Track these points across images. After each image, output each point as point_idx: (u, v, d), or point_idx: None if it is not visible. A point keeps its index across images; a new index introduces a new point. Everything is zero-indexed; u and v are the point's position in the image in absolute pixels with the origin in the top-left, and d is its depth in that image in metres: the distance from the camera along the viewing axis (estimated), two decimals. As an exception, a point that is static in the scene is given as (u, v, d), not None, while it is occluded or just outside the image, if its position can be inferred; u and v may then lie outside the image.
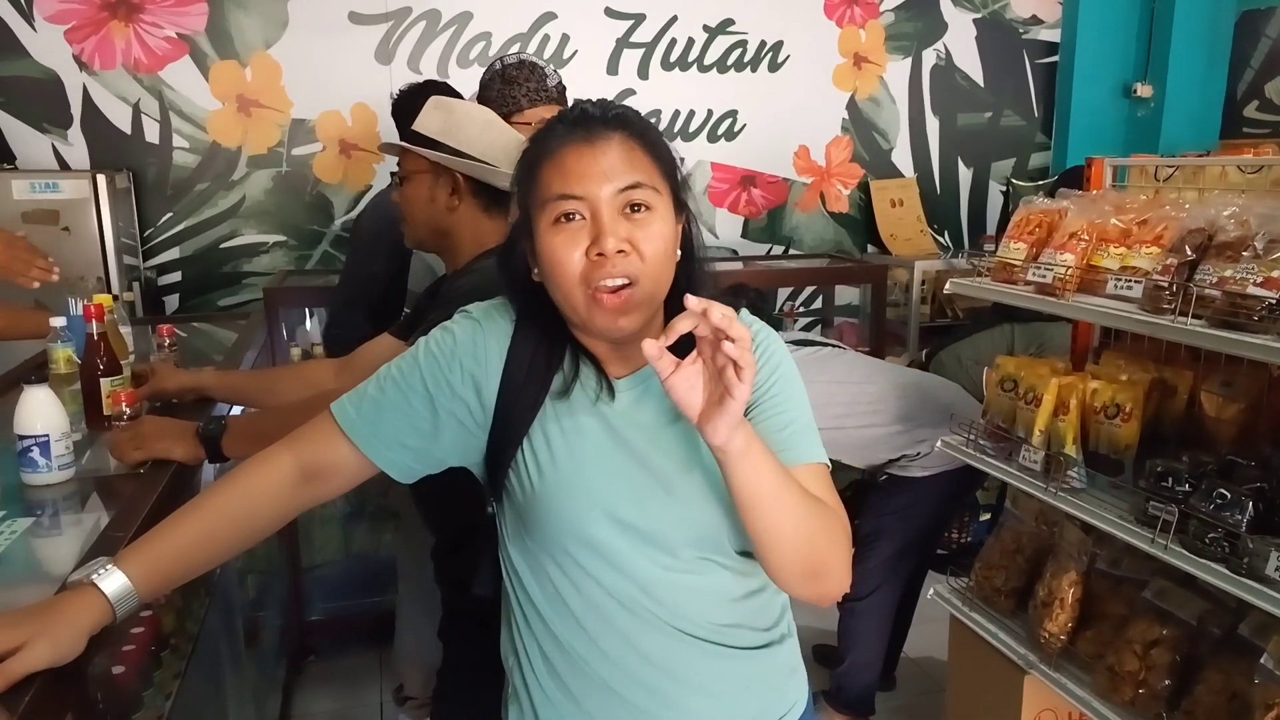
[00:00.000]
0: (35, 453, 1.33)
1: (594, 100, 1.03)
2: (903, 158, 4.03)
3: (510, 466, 1.04)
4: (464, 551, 1.55)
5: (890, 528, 2.39)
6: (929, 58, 3.98)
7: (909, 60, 3.95)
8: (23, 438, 1.33)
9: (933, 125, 4.04)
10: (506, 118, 1.79)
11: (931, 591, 2.24)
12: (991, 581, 2.08)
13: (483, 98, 1.96)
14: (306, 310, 3.21)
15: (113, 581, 0.93)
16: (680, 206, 1.02)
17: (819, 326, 3.89)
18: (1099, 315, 1.66)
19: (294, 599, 2.85)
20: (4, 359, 2.06)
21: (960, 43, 4.00)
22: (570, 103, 1.80)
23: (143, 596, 0.95)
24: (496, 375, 1.04)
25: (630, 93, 3.65)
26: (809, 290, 3.94)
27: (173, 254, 3.32)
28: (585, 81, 3.57)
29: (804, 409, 1.08)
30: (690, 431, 0.99)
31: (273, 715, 2.43)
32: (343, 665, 2.89)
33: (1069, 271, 1.72)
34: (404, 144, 1.55)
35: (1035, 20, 4.07)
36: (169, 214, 3.30)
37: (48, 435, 1.33)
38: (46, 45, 3.12)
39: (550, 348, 1.05)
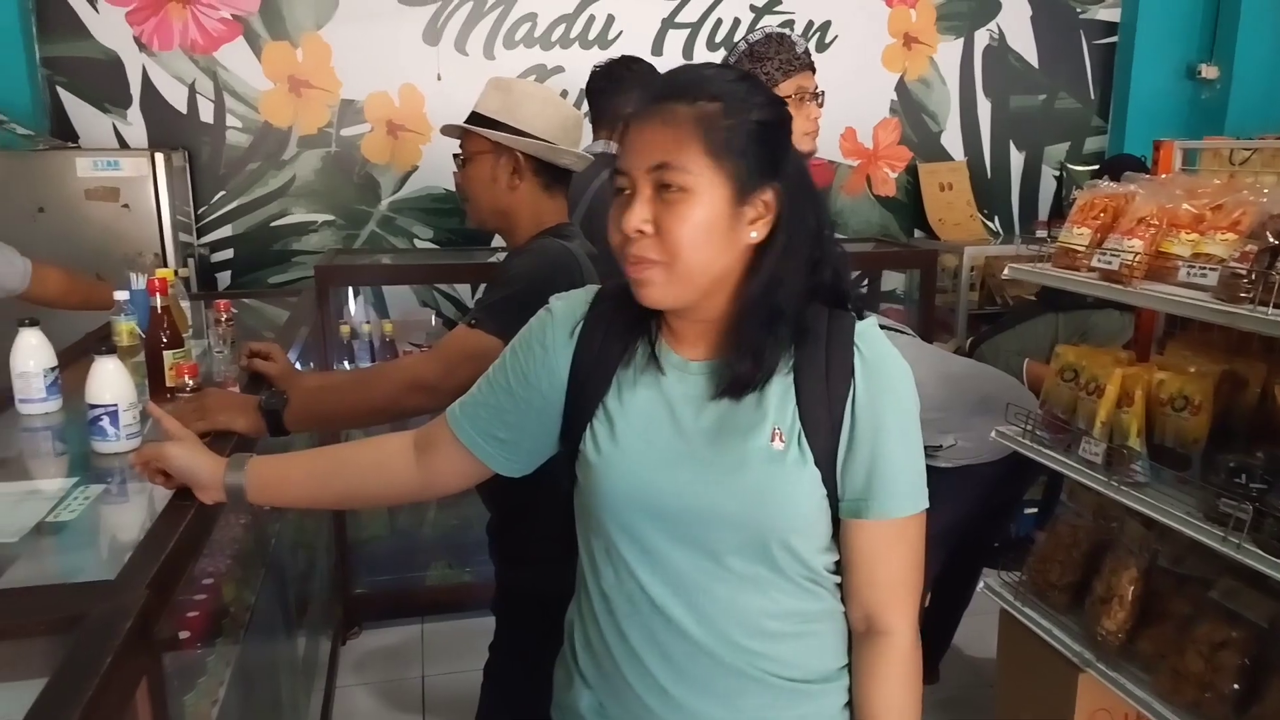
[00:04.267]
0: (105, 422, 1.36)
1: (690, 66, 1.01)
2: (953, 140, 3.95)
3: (580, 446, 1.05)
4: (518, 529, 1.57)
5: None
6: (981, 38, 3.89)
7: (961, 41, 3.87)
8: (93, 407, 1.36)
9: (984, 107, 3.95)
10: None
11: (982, 584, 2.21)
12: (1046, 576, 2.04)
13: None
14: (350, 290, 3.25)
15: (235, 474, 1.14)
16: (754, 188, 0.95)
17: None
18: (1169, 303, 1.62)
19: (340, 573, 2.89)
20: (68, 329, 2.10)
21: (1015, 23, 3.90)
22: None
23: (250, 497, 1.14)
24: (569, 361, 1.05)
25: (677, 74, 3.62)
26: (853, 275, 3.89)
27: (225, 231, 3.37)
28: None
29: (912, 446, 1.00)
30: (756, 427, 0.97)
31: (320, 686, 2.47)
32: (386, 639, 2.94)
33: (1136, 258, 1.67)
34: (465, 125, 1.55)
35: None
36: (222, 192, 3.34)
37: (116, 405, 1.36)
38: (109, 27, 3.16)
39: (622, 325, 1.04)
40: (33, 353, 1.55)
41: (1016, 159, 4.03)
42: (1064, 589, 1.99)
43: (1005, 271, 2.01)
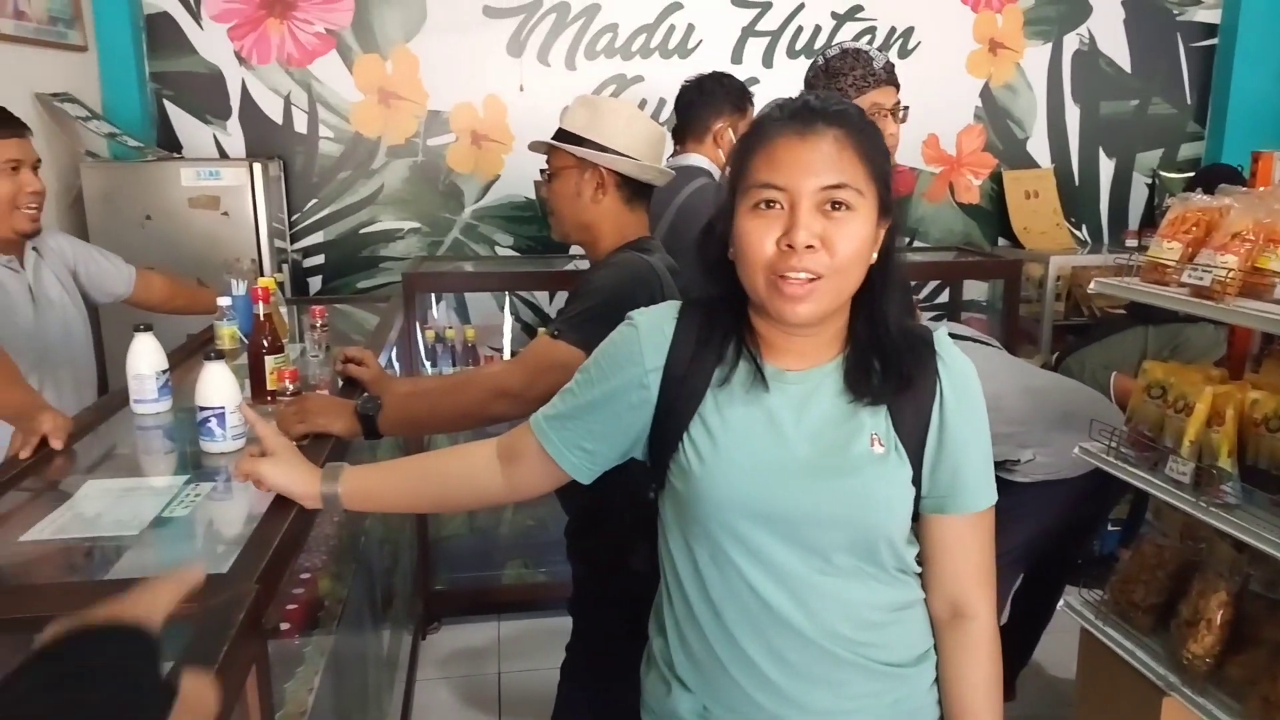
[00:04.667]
0: (213, 423, 1.45)
1: (819, 94, 1.05)
2: (1039, 147, 3.86)
3: (672, 457, 1.08)
4: (596, 533, 1.61)
5: None
6: (1071, 42, 3.79)
7: (1049, 45, 3.78)
8: (203, 409, 1.45)
9: (1073, 113, 3.85)
10: None
11: (1062, 602, 2.17)
12: (1129, 596, 1.99)
13: None
14: (434, 295, 3.35)
15: (330, 484, 1.21)
16: (885, 211, 1.03)
17: (944, 322, 3.78)
18: (1265, 321, 1.56)
19: (421, 569, 2.99)
20: (170, 332, 2.22)
21: (1106, 26, 3.79)
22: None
23: (344, 505, 1.21)
24: (658, 372, 1.08)
25: (754, 81, 3.61)
26: (933, 283, 3.83)
27: (316, 238, 3.51)
28: (708, 72, 3.56)
29: (986, 445, 1.10)
30: (856, 433, 1.03)
31: (401, 678, 2.56)
32: (464, 635, 3.02)
33: (1230, 274, 1.62)
34: (551, 141, 1.60)
35: (1193, 0, 3.83)
36: (314, 200, 3.49)
37: (224, 408, 1.44)
38: (212, 43, 3.33)
39: (713, 337, 1.08)
40: (147, 356, 1.65)
41: (1106, 166, 3.92)
42: (1148, 610, 1.94)
43: (1091, 285, 1.97)
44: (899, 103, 1.96)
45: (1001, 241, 3.89)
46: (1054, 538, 2.33)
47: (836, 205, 0.98)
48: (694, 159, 2.40)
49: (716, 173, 2.38)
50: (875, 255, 1.04)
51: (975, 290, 3.79)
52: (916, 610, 1.11)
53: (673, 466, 1.09)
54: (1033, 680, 2.65)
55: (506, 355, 3.11)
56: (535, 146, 1.67)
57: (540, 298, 3.63)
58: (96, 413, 1.69)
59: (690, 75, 2.61)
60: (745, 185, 1.02)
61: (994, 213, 3.88)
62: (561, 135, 1.61)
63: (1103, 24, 3.78)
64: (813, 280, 0.98)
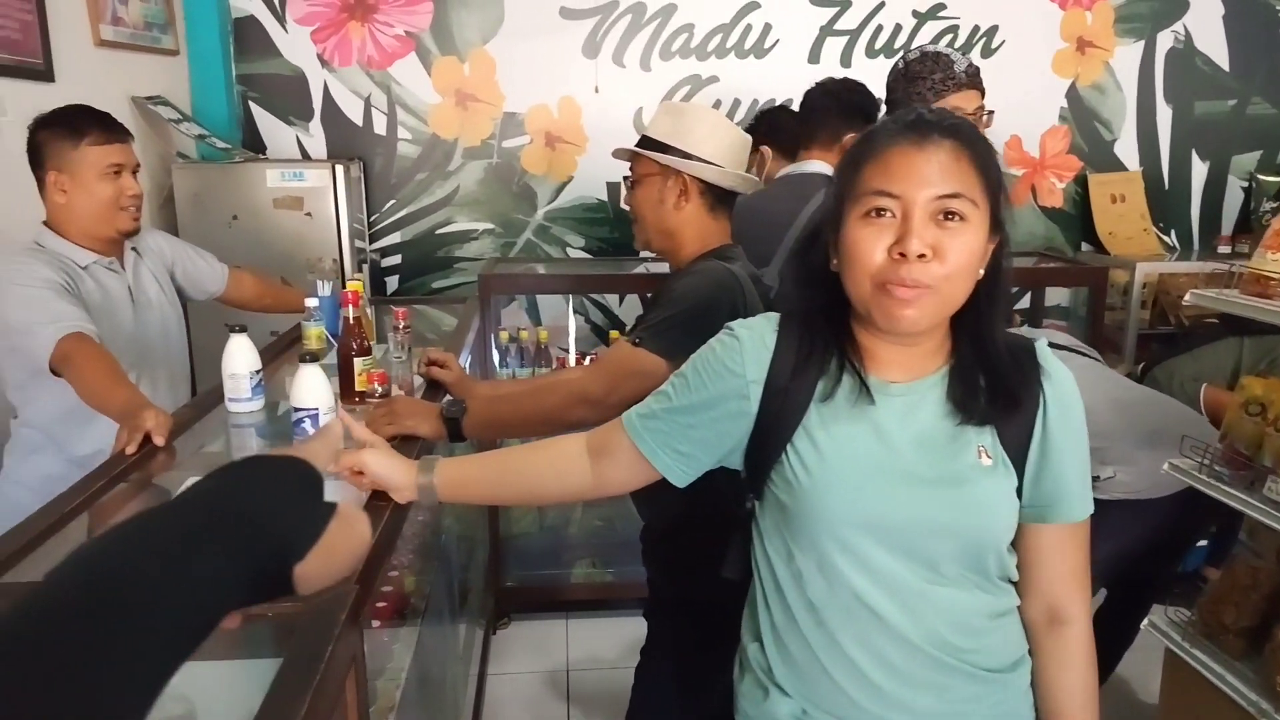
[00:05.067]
0: (307, 424, 1.49)
1: (932, 108, 1.05)
2: (1127, 149, 3.74)
3: (774, 468, 1.09)
4: (675, 540, 1.61)
5: None
6: (1164, 40, 3.66)
7: (1141, 44, 3.65)
8: (297, 409, 1.49)
9: (1164, 114, 3.72)
10: None
11: (1147, 621, 2.10)
12: (1219, 618, 1.92)
13: (889, 101, 1.94)
14: (503, 296, 3.39)
15: (426, 475, 1.24)
16: (997, 226, 1.02)
17: (1024, 329, 3.68)
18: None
19: (493, 565, 3.03)
20: (256, 330, 2.29)
21: (1204, 23, 3.64)
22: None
23: (439, 496, 1.25)
24: (759, 384, 1.09)
25: (832, 82, 3.58)
26: (1014, 289, 3.74)
27: (394, 238, 3.58)
28: (785, 71, 3.54)
29: (1085, 456, 1.10)
30: (963, 446, 1.03)
31: (474, 672, 2.60)
32: (534, 630, 3.05)
33: (1343, 288, 1.55)
34: (634, 149, 1.61)
35: (1296, -4, 3.66)
36: (392, 201, 3.56)
37: (317, 409, 1.49)
38: (295, 45, 3.43)
39: (814, 350, 1.08)
40: (242, 356, 1.71)
41: (1199, 169, 3.77)
42: (1239, 633, 1.87)
43: (1187, 298, 1.90)
44: (982, 107, 1.91)
45: (1085, 246, 3.78)
46: (1134, 559, 2.25)
47: (950, 215, 0.98)
48: (819, 166, 2.30)
49: None
50: (982, 270, 1.03)
51: (1056, 296, 3.69)
52: (1013, 616, 1.12)
53: (775, 478, 1.10)
54: (1113, 700, 2.57)
55: (573, 357, 3.13)
56: (619, 154, 1.68)
57: (610, 299, 3.65)
58: (193, 410, 1.75)
59: (822, 79, 2.48)
60: (856, 194, 1.02)
61: (1078, 217, 3.77)
62: (645, 143, 1.61)
63: (1200, 21, 3.64)
64: (925, 290, 0.98)
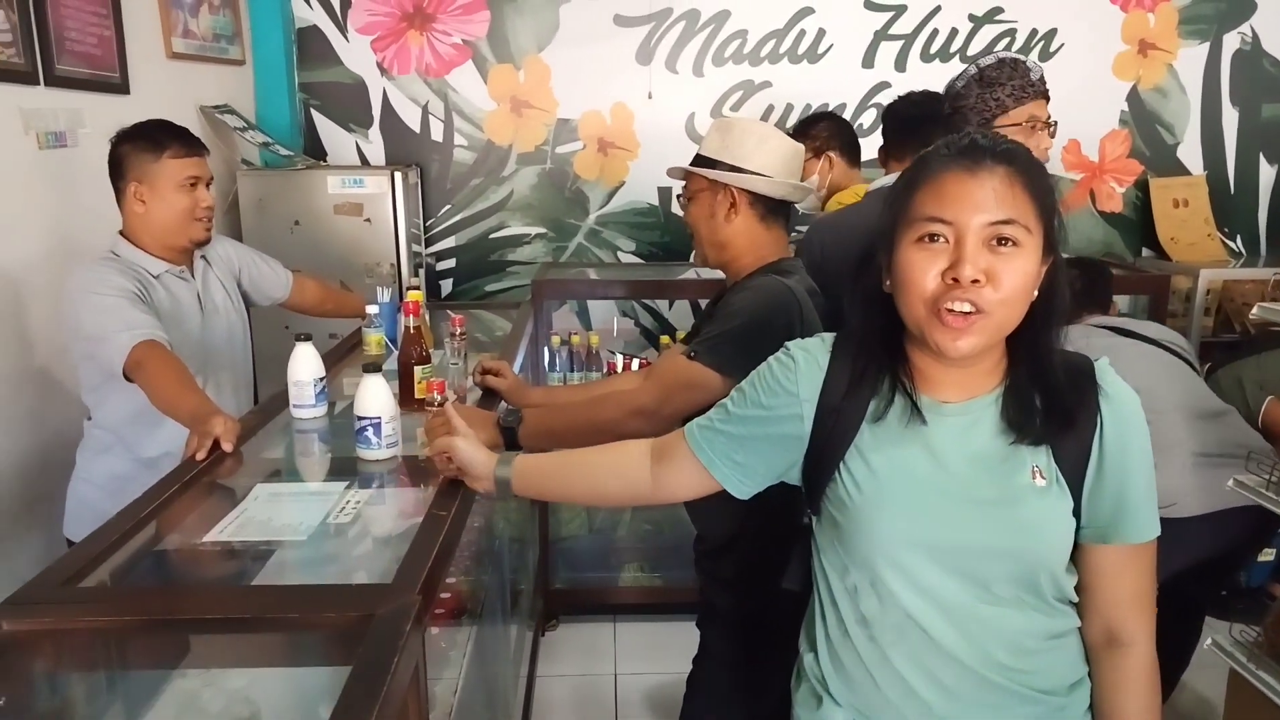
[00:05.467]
0: (369, 432, 1.53)
1: (985, 133, 1.05)
2: (1190, 153, 3.64)
3: (828, 486, 1.10)
4: (731, 553, 1.62)
5: None
6: (1231, 41, 3.56)
7: (1205, 45, 3.56)
8: (360, 418, 1.53)
9: (1230, 117, 3.62)
10: (988, 123, 1.79)
11: (1210, 641, 2.05)
12: (1288, 639, 1.87)
13: (956, 108, 1.88)
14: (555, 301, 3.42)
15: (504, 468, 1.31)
16: (1050, 249, 1.02)
17: (1123, 319, 3.59)
18: None
19: (542, 568, 3.07)
20: (316, 332, 2.34)
21: (1272, 23, 3.54)
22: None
23: (514, 489, 1.30)
24: (813, 403, 1.10)
25: (885, 85, 3.55)
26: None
27: (449, 243, 3.64)
28: (838, 76, 3.52)
29: (1149, 477, 1.08)
30: (1017, 467, 1.04)
31: (523, 674, 2.64)
32: (581, 633, 3.08)
33: None
34: (685, 167, 1.63)
35: (1371, -6, 3.54)
36: (448, 206, 3.62)
37: (380, 418, 1.52)
38: (356, 54, 3.51)
39: (867, 370, 1.09)
40: (307, 364, 1.76)
41: (1267, 173, 3.67)
42: (1311, 657, 1.82)
43: (1254, 311, 1.86)
44: (1049, 115, 1.88)
45: (1145, 252, 3.70)
46: (1181, 580, 2.17)
47: (1003, 241, 0.99)
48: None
49: None
50: (1036, 291, 1.03)
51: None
52: (1071, 639, 1.10)
53: (829, 495, 1.11)
54: (1173, 720, 2.52)
55: (621, 361, 3.15)
56: (673, 173, 1.69)
57: (660, 304, 3.66)
58: (259, 416, 1.81)
59: (910, 90, 2.43)
60: (910, 219, 1.02)
61: (1138, 222, 3.69)
62: (699, 160, 1.63)
63: (1268, 21, 3.54)
64: (974, 314, 0.99)
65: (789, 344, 1.16)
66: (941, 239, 1.00)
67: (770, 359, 1.17)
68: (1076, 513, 1.06)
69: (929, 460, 1.05)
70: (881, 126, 2.44)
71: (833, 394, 1.09)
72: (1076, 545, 1.08)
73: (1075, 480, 1.05)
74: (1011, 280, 0.98)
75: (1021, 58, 1.86)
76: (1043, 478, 1.04)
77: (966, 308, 0.98)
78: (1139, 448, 1.07)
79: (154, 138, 1.91)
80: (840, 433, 1.08)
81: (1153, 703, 1.10)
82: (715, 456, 1.17)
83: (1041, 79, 1.84)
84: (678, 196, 1.69)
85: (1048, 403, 1.04)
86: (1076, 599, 1.10)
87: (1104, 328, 2.37)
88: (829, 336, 1.15)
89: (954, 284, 0.98)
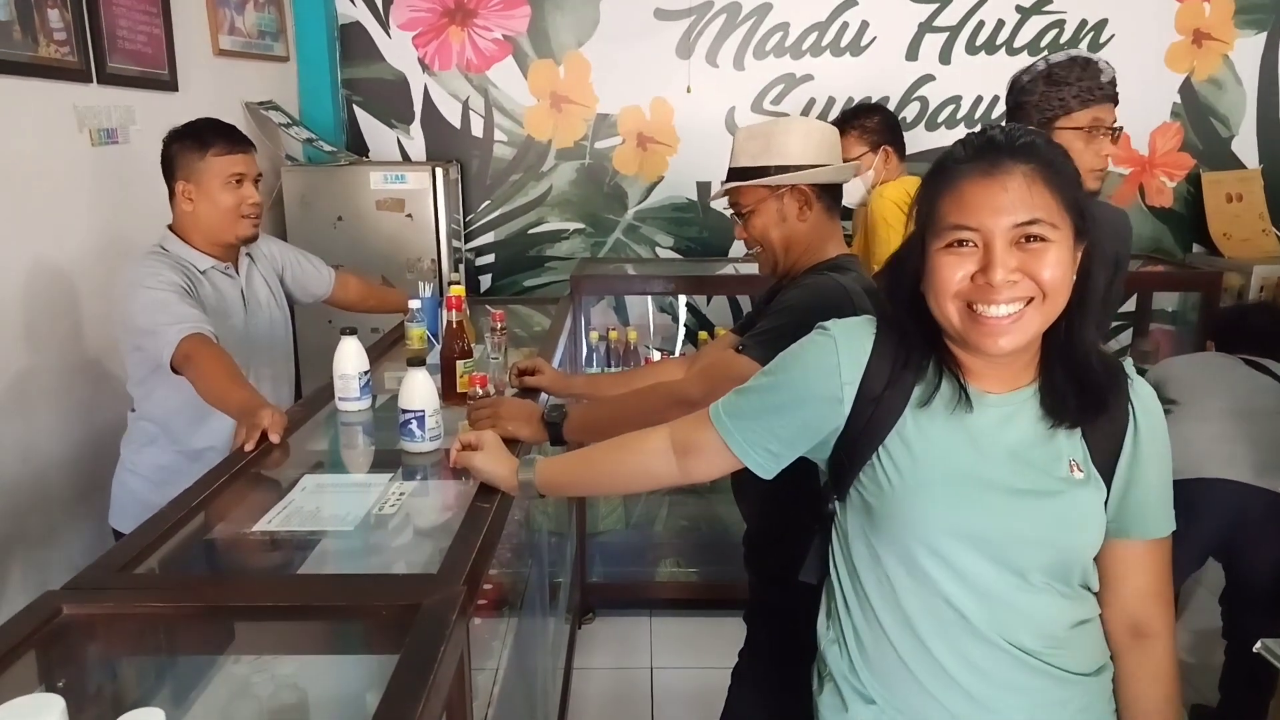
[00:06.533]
0: (413, 425, 1.54)
1: (1002, 127, 1.04)
2: (1246, 147, 3.55)
3: (863, 469, 1.09)
4: (780, 548, 1.61)
5: None
6: (1289, 32, 3.46)
7: (1263, 35, 3.46)
8: (405, 411, 1.54)
9: (1288, 109, 3.52)
10: (1049, 122, 1.76)
11: (1259, 645, 1.99)
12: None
13: (1019, 103, 1.85)
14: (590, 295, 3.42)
15: (526, 472, 1.33)
16: (1080, 235, 1.02)
17: (1130, 335, 3.54)
18: None
19: (579, 562, 3.08)
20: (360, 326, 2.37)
21: (1333, 13, 3.44)
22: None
23: (539, 490, 1.33)
24: (854, 386, 1.09)
25: (929, 78, 3.51)
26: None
27: (488, 238, 3.67)
28: (881, 69, 3.48)
29: (1169, 474, 1.11)
30: (1055, 459, 1.05)
31: (560, 666, 2.65)
32: (617, 627, 3.09)
33: None
34: (737, 184, 1.61)
35: None
36: (487, 201, 3.64)
37: (424, 411, 1.54)
38: (398, 50, 3.54)
39: (911, 357, 1.08)
40: (352, 358, 1.78)
41: (1325, 167, 3.56)
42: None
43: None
44: (1115, 119, 1.83)
45: (1196, 248, 3.61)
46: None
47: (1030, 239, 0.99)
48: None
49: None
50: (1073, 275, 1.03)
51: (1164, 300, 3.53)
52: (1094, 625, 1.12)
53: (864, 480, 1.10)
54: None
55: (657, 358, 3.14)
56: (720, 196, 1.67)
57: (698, 299, 3.65)
58: (305, 409, 1.83)
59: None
60: (936, 228, 1.03)
61: (1189, 217, 3.60)
62: (743, 174, 1.61)
63: (1329, 10, 3.43)
64: (1017, 313, 0.99)
65: (825, 323, 1.14)
66: (969, 244, 1.00)
67: (804, 339, 1.15)
68: (1105, 506, 1.08)
69: (971, 448, 1.06)
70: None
71: (876, 376, 1.08)
72: None
73: (1108, 474, 1.07)
74: (1049, 272, 0.98)
75: (1095, 58, 1.80)
76: (1080, 470, 1.06)
77: (1003, 310, 0.98)
78: (1163, 443, 1.10)
79: (199, 136, 1.94)
80: (882, 416, 1.07)
81: (1174, 692, 1.13)
82: (749, 447, 1.15)
83: (1112, 82, 1.79)
84: (732, 216, 1.66)
85: (1082, 391, 1.05)
86: (1097, 587, 1.12)
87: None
88: (872, 319, 1.14)
89: (986, 286, 0.98)
